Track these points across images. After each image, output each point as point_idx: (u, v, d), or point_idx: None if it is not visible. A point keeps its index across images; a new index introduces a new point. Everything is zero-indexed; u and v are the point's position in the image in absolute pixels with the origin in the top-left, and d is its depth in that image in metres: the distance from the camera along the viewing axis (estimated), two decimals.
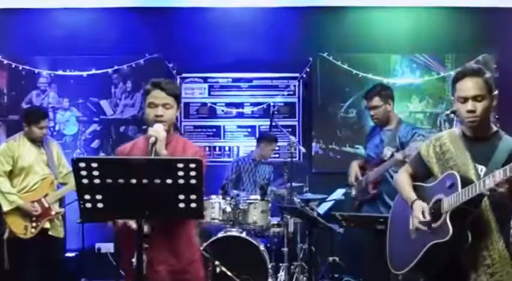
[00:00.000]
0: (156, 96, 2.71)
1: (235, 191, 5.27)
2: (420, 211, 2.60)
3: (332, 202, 5.41)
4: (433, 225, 2.56)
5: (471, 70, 2.57)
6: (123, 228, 2.56)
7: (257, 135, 6.12)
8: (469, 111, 2.52)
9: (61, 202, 4.91)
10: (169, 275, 2.68)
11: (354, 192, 4.49)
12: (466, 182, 2.46)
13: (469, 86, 2.52)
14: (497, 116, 5.64)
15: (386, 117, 4.25)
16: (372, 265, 3.97)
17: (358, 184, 4.40)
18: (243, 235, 4.81)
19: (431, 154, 2.73)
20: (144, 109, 2.81)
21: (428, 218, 2.57)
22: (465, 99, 2.54)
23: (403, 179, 2.85)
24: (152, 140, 2.54)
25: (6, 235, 4.53)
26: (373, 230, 3.63)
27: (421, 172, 2.81)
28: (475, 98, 2.52)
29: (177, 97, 2.77)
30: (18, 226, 4.52)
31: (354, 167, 4.47)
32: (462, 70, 2.62)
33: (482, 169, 2.53)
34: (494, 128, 2.63)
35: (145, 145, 2.71)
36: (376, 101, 4.22)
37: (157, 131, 2.59)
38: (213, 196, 4.99)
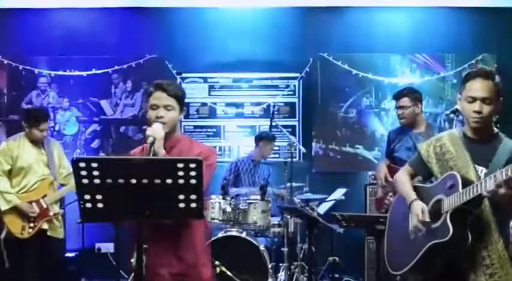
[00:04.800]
0: (158, 98, 2.67)
1: (235, 189, 5.27)
2: (420, 210, 2.60)
3: (332, 202, 5.40)
4: (433, 225, 2.56)
5: (483, 72, 2.58)
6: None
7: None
8: (476, 112, 2.53)
9: (61, 202, 4.90)
10: (171, 278, 2.67)
11: (380, 193, 4.46)
12: (467, 182, 2.46)
13: (479, 88, 2.53)
14: (497, 116, 5.62)
15: (414, 119, 4.31)
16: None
17: (389, 185, 4.34)
18: (243, 235, 4.81)
19: (431, 154, 2.73)
20: (145, 110, 2.78)
21: (427, 218, 2.57)
22: (473, 99, 2.54)
23: (402, 178, 2.85)
24: (150, 140, 2.52)
25: (3, 235, 4.53)
26: (373, 231, 3.63)
27: (421, 172, 2.82)
28: (483, 100, 2.53)
29: (179, 99, 2.72)
30: (15, 226, 4.51)
31: (383, 168, 4.43)
32: (475, 70, 2.64)
33: (482, 170, 2.54)
34: (495, 130, 2.64)
35: None
36: (405, 101, 4.29)
37: (156, 130, 2.57)
38: (213, 196, 4.99)
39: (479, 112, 2.53)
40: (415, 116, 4.30)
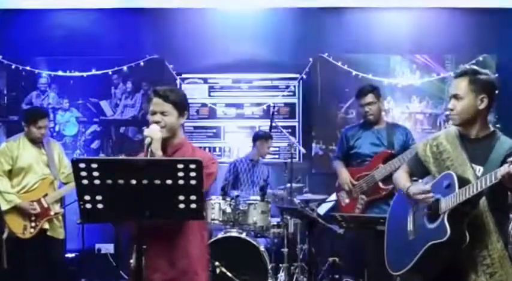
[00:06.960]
0: (156, 104, 2.72)
1: (235, 192, 5.27)
2: (420, 188, 2.64)
3: (332, 203, 5.40)
4: (431, 226, 2.56)
5: (460, 71, 2.65)
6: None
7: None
8: (449, 109, 2.64)
9: (61, 202, 4.91)
10: None
11: (347, 200, 4.45)
12: (463, 182, 2.46)
13: (452, 85, 2.65)
14: (497, 116, 5.64)
15: (379, 115, 4.39)
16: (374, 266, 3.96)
17: (357, 189, 4.35)
18: (243, 235, 4.81)
19: (428, 153, 2.73)
20: (145, 111, 2.81)
21: (428, 187, 2.59)
22: (450, 98, 2.65)
23: (401, 175, 2.88)
24: (148, 140, 2.54)
25: (5, 235, 4.52)
26: (373, 231, 3.63)
27: (418, 172, 2.83)
28: (455, 97, 2.61)
29: (177, 104, 2.74)
30: (17, 226, 4.51)
31: (345, 172, 4.44)
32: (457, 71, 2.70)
33: (480, 169, 2.54)
34: (491, 129, 2.65)
35: None
36: (371, 97, 4.37)
37: (153, 131, 2.60)
38: (213, 197, 4.99)
39: (451, 109, 2.62)
40: (380, 112, 4.40)
